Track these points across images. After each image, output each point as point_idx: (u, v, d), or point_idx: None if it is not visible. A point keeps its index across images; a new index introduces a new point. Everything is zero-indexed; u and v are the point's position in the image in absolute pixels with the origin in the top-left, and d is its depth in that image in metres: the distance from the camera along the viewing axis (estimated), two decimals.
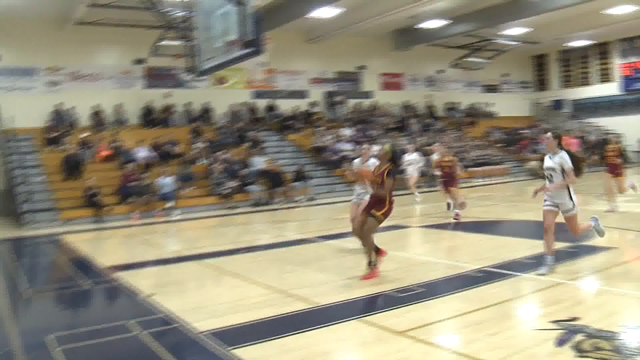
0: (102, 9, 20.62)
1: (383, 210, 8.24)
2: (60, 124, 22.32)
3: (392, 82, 31.79)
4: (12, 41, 22.18)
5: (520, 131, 32.40)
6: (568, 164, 7.97)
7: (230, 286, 8.72)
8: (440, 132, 29.64)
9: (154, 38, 21.22)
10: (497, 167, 27.79)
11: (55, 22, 22.49)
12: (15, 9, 20.63)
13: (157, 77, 24.99)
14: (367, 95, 30.83)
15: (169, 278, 9.76)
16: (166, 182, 19.95)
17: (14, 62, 22.29)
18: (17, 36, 22.13)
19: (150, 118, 24.37)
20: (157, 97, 24.79)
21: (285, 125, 26.84)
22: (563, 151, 8.13)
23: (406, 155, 20.30)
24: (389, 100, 31.02)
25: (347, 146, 25.29)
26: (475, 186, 24.85)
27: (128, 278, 9.31)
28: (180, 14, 16.94)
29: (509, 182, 26.31)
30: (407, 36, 28.87)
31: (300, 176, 22.34)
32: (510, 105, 35.79)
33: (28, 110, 21.84)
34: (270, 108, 27.39)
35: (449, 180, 15.13)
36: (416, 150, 22.06)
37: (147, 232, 16.41)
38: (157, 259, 11.64)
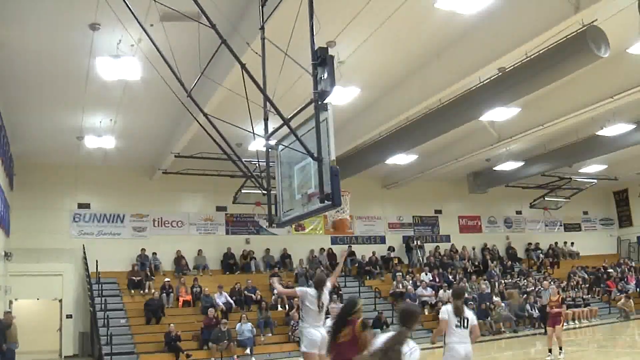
0: (187, 160, 21.66)
1: None
2: (143, 268, 22.89)
3: (469, 225, 31.42)
4: (102, 189, 23.55)
5: (606, 270, 30.93)
6: None
7: None
8: (521, 275, 28.90)
9: (236, 186, 22.09)
10: (584, 309, 26.53)
11: (145, 171, 23.78)
12: (111, 160, 22.00)
13: (238, 224, 25.67)
14: (445, 239, 30.59)
15: None
16: (245, 328, 19.89)
17: (102, 209, 23.50)
18: (107, 185, 23.49)
19: (231, 263, 24.77)
20: (238, 243, 25.34)
21: (363, 270, 26.72)
22: None
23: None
24: (468, 243, 30.50)
25: (427, 291, 24.87)
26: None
27: None
28: (260, 164, 17.52)
29: (597, 324, 24.89)
30: (483, 179, 28.81)
31: (380, 322, 21.87)
32: (593, 243, 34.30)
33: (113, 254, 22.62)
34: (349, 254, 27.38)
35: None
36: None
37: None
38: None
